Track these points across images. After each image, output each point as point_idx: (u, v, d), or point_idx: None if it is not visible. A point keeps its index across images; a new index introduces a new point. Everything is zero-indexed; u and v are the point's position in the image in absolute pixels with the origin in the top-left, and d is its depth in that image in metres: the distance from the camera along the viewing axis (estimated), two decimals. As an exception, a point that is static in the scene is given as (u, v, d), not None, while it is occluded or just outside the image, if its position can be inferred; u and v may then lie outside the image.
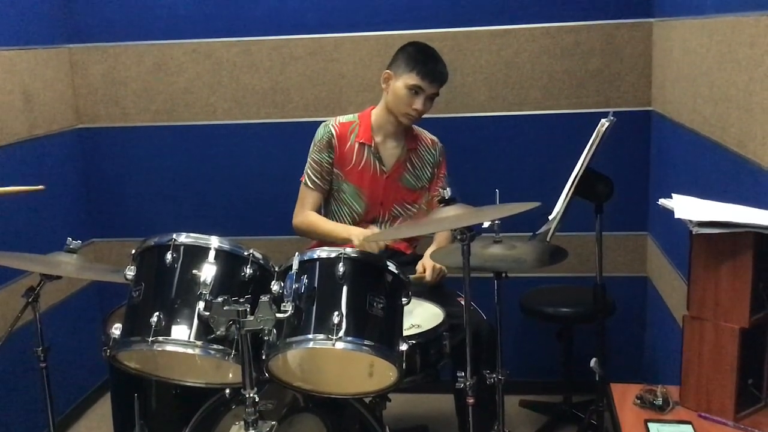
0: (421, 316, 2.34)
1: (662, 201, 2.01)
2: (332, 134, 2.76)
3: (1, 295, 2.95)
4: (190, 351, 1.85)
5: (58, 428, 2.88)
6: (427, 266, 2.63)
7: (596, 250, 2.24)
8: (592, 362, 2.23)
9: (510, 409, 3.20)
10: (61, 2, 3.41)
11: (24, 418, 3.03)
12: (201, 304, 1.78)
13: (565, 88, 3.25)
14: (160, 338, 1.82)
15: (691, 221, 1.82)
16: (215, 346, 1.83)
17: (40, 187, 2.59)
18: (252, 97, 3.42)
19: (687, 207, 1.91)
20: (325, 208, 2.86)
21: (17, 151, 3.06)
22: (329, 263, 1.92)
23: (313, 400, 2.19)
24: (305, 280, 1.89)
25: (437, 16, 3.24)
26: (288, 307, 1.79)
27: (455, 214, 2.09)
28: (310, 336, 1.84)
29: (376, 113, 2.80)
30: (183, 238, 1.93)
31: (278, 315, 1.75)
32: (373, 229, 2.68)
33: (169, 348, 1.84)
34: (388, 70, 2.72)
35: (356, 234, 2.60)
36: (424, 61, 2.65)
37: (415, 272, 2.64)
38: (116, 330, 1.88)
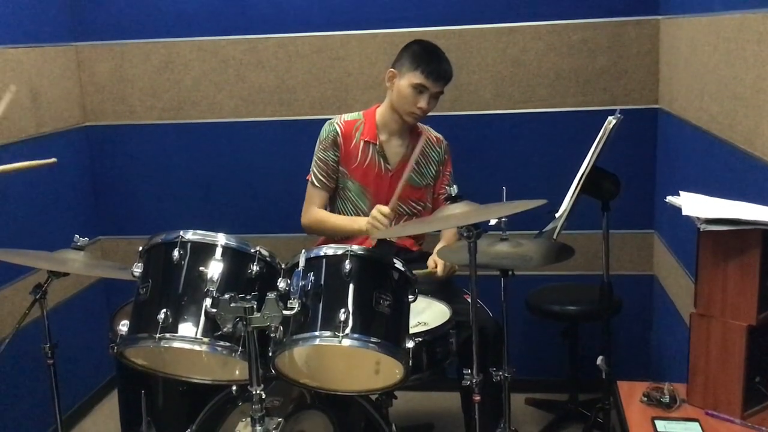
0: (427, 313, 2.34)
1: (670, 198, 2.01)
2: (337, 132, 2.76)
3: (9, 292, 2.96)
4: (197, 348, 1.85)
5: (66, 425, 2.90)
6: (438, 262, 2.63)
7: (603, 247, 2.23)
8: (599, 360, 2.23)
9: (516, 407, 3.22)
10: (68, 0, 3.41)
11: (32, 414, 3.04)
12: (208, 301, 1.78)
13: (572, 86, 3.24)
14: (167, 335, 1.82)
15: (698, 218, 1.82)
16: (222, 343, 1.83)
17: (53, 159, 2.56)
18: (258, 94, 3.43)
19: (694, 204, 1.90)
20: (331, 206, 2.86)
21: (24, 149, 3.06)
22: (336, 260, 1.92)
23: (319, 397, 2.19)
24: (312, 278, 1.89)
25: (444, 13, 3.24)
26: (294, 304, 1.78)
27: (462, 212, 2.09)
28: (317, 333, 1.84)
29: (381, 111, 2.80)
30: (190, 235, 1.93)
31: (285, 312, 1.76)
32: (383, 209, 2.58)
33: (176, 345, 1.84)
34: (392, 69, 2.71)
35: (363, 222, 2.61)
36: (429, 60, 2.65)
37: (423, 268, 2.63)
38: (123, 327, 1.89)
